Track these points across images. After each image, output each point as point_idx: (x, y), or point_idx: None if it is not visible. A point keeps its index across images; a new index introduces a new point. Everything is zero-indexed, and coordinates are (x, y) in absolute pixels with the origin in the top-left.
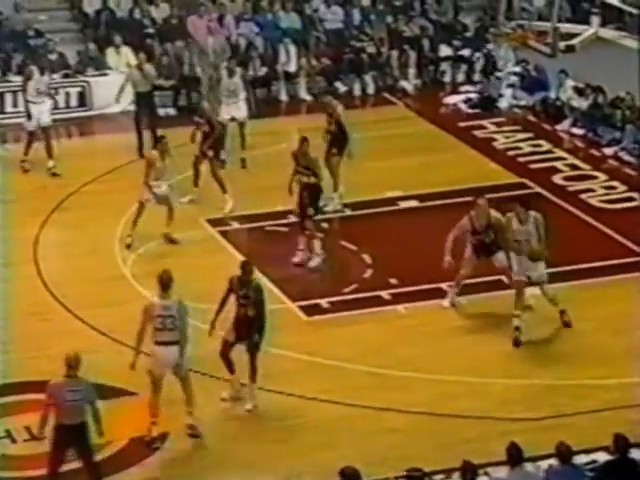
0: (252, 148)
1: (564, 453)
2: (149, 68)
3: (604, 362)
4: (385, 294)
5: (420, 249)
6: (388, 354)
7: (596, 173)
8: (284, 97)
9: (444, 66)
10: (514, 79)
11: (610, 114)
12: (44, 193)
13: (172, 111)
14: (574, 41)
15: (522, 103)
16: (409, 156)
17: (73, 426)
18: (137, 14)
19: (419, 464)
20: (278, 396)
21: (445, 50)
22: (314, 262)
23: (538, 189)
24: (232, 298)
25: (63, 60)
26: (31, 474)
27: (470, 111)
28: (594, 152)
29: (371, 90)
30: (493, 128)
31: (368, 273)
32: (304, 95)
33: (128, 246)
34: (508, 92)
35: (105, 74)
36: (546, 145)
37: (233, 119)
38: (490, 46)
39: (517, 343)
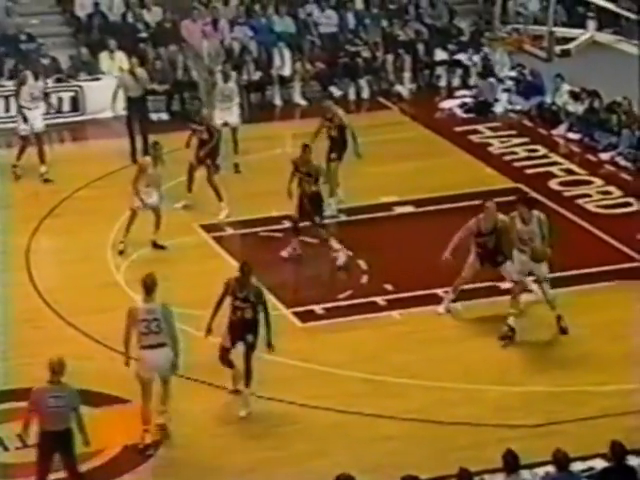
0: (246, 153)
1: (561, 460)
2: (141, 72)
3: (601, 369)
4: (380, 300)
5: (416, 255)
6: (383, 360)
7: (592, 178)
8: (278, 102)
9: (439, 70)
10: (510, 84)
11: (606, 119)
12: (36, 199)
13: (165, 116)
14: (570, 45)
15: (518, 108)
16: (404, 161)
17: (57, 432)
18: (130, 18)
19: (414, 471)
20: (272, 403)
21: (440, 54)
22: (341, 260)
23: (534, 194)
24: (226, 302)
25: (55, 64)
26: None
27: (465, 116)
28: (590, 157)
29: (366, 94)
30: (489, 133)
31: (363, 279)
32: (299, 100)
33: (121, 252)
34: (504, 97)
35: (98, 79)
36: (542, 150)
37: (226, 124)
38: (486, 50)
39: (504, 337)
